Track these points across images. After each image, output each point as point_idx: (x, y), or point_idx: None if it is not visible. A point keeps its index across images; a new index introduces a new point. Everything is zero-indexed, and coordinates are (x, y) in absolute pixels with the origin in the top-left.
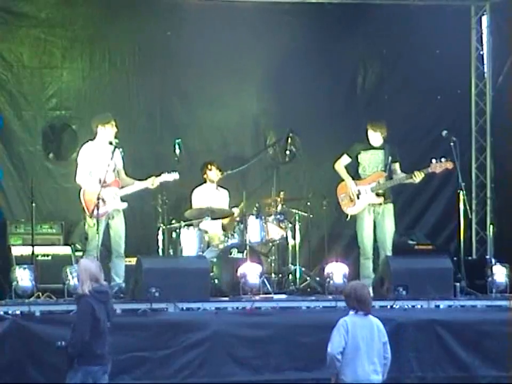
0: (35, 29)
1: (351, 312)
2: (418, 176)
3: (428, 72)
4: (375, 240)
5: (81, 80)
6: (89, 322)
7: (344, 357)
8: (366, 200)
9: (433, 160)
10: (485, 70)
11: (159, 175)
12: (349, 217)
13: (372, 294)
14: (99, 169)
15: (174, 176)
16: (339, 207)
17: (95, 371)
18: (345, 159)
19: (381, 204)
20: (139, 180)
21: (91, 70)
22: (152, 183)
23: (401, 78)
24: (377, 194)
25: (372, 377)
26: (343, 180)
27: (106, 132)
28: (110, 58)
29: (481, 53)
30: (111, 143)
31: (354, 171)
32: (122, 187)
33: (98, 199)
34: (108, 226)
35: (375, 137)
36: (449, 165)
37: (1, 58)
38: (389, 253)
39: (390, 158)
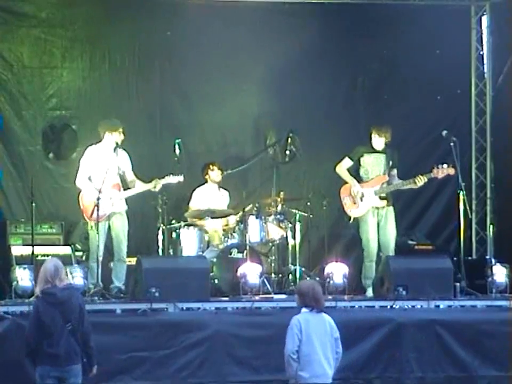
0: (35, 29)
1: (305, 310)
2: (420, 181)
3: (427, 72)
4: (377, 243)
5: (81, 80)
6: (34, 324)
7: (300, 354)
8: (370, 202)
9: (435, 166)
10: (485, 70)
11: (163, 177)
12: (351, 219)
13: (372, 294)
14: (101, 173)
15: (179, 178)
16: (342, 209)
17: (48, 371)
18: (347, 162)
19: (383, 207)
20: (140, 180)
21: (91, 70)
22: (154, 185)
23: (401, 78)
24: (380, 198)
25: (327, 371)
26: (346, 182)
27: (113, 139)
28: (110, 58)
29: (481, 53)
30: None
31: (355, 174)
32: (125, 189)
33: (98, 199)
34: (109, 228)
35: (379, 142)
36: (451, 171)
37: (1, 58)
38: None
39: (390, 162)
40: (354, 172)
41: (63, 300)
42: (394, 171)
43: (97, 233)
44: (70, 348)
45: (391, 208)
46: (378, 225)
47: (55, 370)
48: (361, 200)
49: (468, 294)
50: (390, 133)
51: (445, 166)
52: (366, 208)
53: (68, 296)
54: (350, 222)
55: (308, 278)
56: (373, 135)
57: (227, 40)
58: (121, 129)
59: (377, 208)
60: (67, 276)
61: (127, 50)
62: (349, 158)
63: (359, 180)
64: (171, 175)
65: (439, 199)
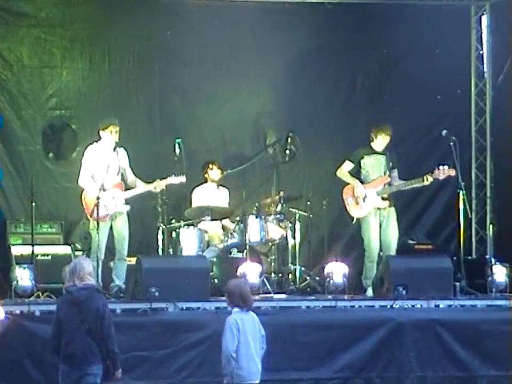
0: (35, 29)
1: (236, 310)
2: (427, 180)
3: (427, 72)
4: (379, 244)
5: (81, 79)
6: (54, 320)
7: (238, 353)
8: (372, 203)
9: (437, 167)
10: (485, 69)
11: (164, 178)
12: (354, 220)
13: (372, 294)
14: (102, 172)
15: (181, 179)
16: (344, 209)
17: (66, 370)
18: (347, 165)
19: (385, 208)
20: (140, 179)
21: (91, 69)
22: (155, 186)
23: (401, 77)
24: (383, 198)
25: (259, 368)
26: (348, 183)
27: (106, 137)
28: (109, 58)
29: (481, 52)
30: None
31: (356, 176)
32: (127, 189)
33: (98, 199)
34: (111, 228)
35: (385, 142)
36: (452, 172)
37: (1, 58)
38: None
39: (390, 163)
40: (355, 174)
41: (79, 299)
42: (395, 172)
43: (97, 233)
44: (85, 348)
45: (392, 209)
46: (380, 226)
47: (73, 370)
48: (364, 201)
49: (467, 294)
50: (391, 129)
51: (446, 167)
52: (369, 209)
53: (85, 296)
54: (353, 222)
55: (308, 278)
56: (380, 136)
57: (227, 40)
58: (111, 128)
59: (379, 209)
60: (90, 276)
61: (126, 50)
62: (350, 161)
63: (360, 182)
64: (173, 175)
65: (439, 198)
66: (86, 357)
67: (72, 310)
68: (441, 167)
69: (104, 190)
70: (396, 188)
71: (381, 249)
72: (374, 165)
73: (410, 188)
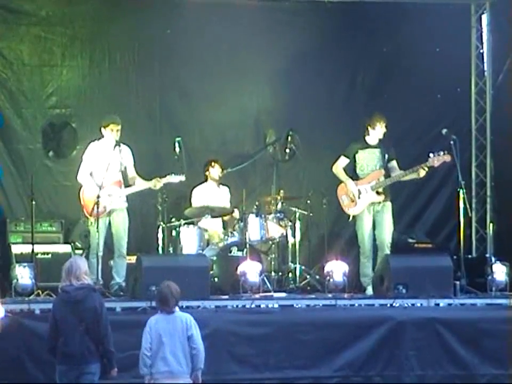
0: (35, 27)
1: (159, 311)
2: (422, 171)
3: (428, 71)
4: (374, 239)
5: (81, 78)
6: (51, 320)
7: (152, 351)
8: (367, 199)
9: (431, 154)
10: (485, 68)
11: (164, 176)
12: (351, 217)
13: (371, 292)
14: (101, 170)
15: (180, 178)
16: (341, 208)
17: (64, 370)
18: (343, 161)
19: (380, 202)
20: (140, 177)
21: (91, 68)
22: (154, 184)
23: (401, 76)
24: (378, 193)
25: (175, 368)
26: (342, 181)
27: (107, 134)
28: (109, 56)
29: (481, 51)
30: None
31: (352, 171)
32: (126, 186)
33: (98, 197)
34: (109, 225)
35: (383, 131)
36: (447, 158)
37: (1, 56)
38: (388, 251)
39: (386, 156)
40: (351, 169)
41: (76, 299)
42: (393, 163)
43: (97, 231)
44: (84, 347)
45: (388, 203)
46: (374, 220)
47: (71, 370)
48: (359, 198)
49: (467, 292)
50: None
51: (441, 153)
52: (364, 205)
53: (82, 296)
54: (350, 220)
55: (308, 276)
56: (378, 125)
57: (227, 38)
58: (112, 126)
59: (373, 203)
60: (86, 275)
61: (127, 49)
62: (345, 156)
63: (356, 177)
64: (173, 174)
65: (439, 197)
66: (84, 356)
67: (69, 310)
68: (435, 153)
69: (102, 187)
70: (390, 180)
71: (376, 245)
72: (368, 159)
73: (408, 179)
